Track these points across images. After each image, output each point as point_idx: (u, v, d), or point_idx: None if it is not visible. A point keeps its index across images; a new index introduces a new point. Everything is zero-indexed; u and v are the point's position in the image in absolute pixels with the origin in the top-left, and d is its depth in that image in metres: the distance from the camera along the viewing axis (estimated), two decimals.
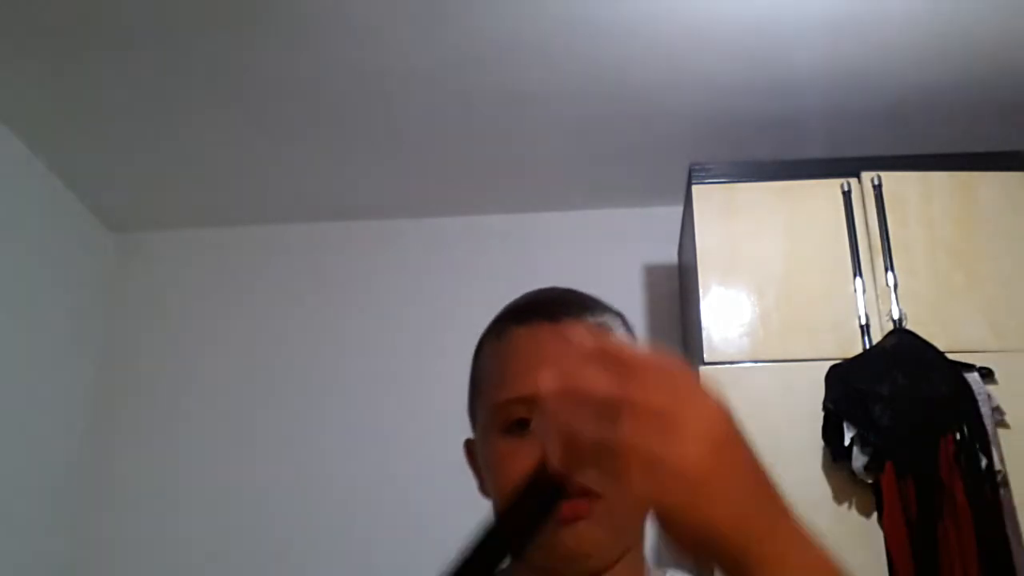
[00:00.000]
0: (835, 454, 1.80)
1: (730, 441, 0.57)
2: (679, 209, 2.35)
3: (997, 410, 1.79)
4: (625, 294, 2.58)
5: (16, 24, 1.99)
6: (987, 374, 1.82)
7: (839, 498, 1.80)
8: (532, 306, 0.88)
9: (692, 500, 0.52)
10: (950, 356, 1.84)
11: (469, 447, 0.91)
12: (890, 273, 1.98)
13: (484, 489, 0.87)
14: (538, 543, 0.74)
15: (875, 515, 1.76)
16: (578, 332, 0.81)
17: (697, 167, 2.16)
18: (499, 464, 0.81)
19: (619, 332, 0.87)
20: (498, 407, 0.82)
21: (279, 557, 2.39)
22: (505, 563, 0.84)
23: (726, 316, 1.99)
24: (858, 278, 1.99)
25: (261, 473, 2.48)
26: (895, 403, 1.77)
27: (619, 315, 0.90)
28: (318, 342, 2.62)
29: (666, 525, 0.53)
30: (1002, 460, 1.74)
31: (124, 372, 2.63)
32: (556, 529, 0.76)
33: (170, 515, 2.45)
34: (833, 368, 1.85)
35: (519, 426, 0.80)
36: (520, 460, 0.76)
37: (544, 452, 0.71)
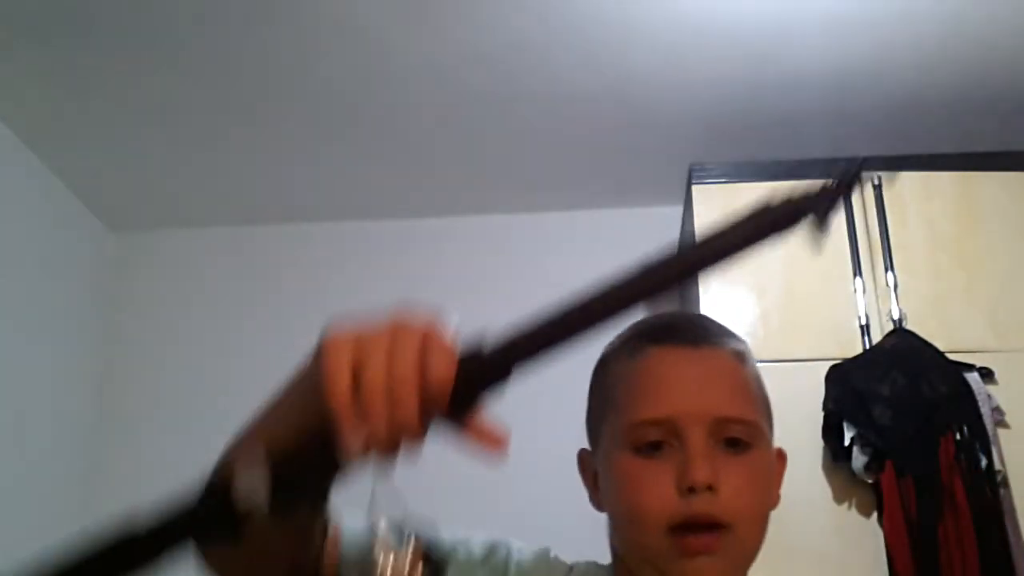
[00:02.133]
0: (835, 454, 1.80)
1: None
2: (679, 209, 2.35)
3: (997, 410, 1.79)
4: None
5: (16, 24, 1.99)
6: (987, 374, 1.82)
7: (839, 498, 1.80)
8: (672, 328, 0.87)
9: None
10: (950, 356, 1.84)
11: (583, 457, 0.90)
12: (890, 273, 1.98)
13: (597, 501, 0.87)
14: (660, 571, 0.79)
15: (875, 515, 1.76)
16: (720, 359, 0.84)
17: (697, 167, 2.16)
18: (631, 482, 0.80)
19: (751, 362, 0.87)
20: (632, 427, 0.81)
21: None
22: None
23: (726, 316, 1.99)
24: (858, 278, 1.99)
25: None
26: (895, 403, 1.77)
27: (745, 342, 0.90)
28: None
29: None
30: (1002, 460, 1.74)
31: (124, 372, 2.63)
32: (680, 560, 0.77)
33: None
34: (833, 368, 1.85)
35: (652, 447, 0.80)
36: (653, 480, 0.78)
37: (678, 474, 0.77)
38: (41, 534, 2.34)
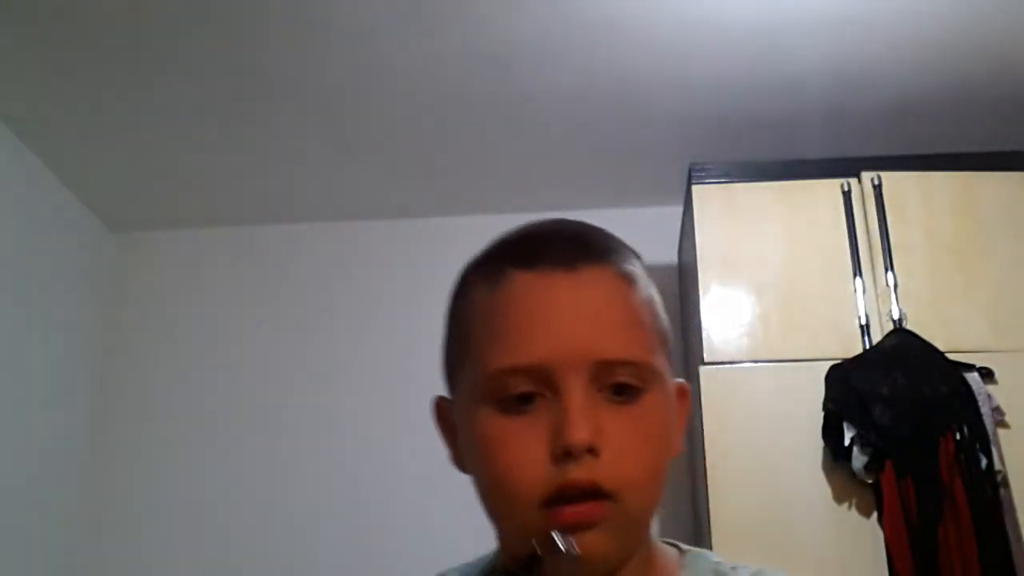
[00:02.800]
0: (835, 454, 1.80)
1: None
2: (679, 209, 2.35)
3: (997, 410, 1.79)
4: None
5: (16, 24, 1.99)
6: (987, 374, 1.82)
7: (839, 498, 1.80)
8: (541, 246, 0.69)
9: None
10: (950, 356, 1.84)
11: (440, 406, 0.75)
12: (890, 273, 1.98)
13: (460, 462, 0.72)
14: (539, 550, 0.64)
15: (875, 515, 1.76)
16: (603, 284, 0.68)
17: (697, 167, 2.16)
18: (494, 446, 0.65)
19: (643, 283, 0.71)
20: (494, 376, 0.65)
21: (280, 556, 2.39)
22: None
23: (726, 316, 1.99)
24: (858, 278, 1.99)
25: (261, 473, 2.48)
26: (895, 403, 1.77)
27: (639, 257, 0.73)
28: (318, 341, 2.62)
29: None
30: (1002, 460, 1.74)
31: (123, 372, 2.63)
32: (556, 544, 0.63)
33: (169, 515, 2.45)
34: (833, 368, 1.85)
35: (520, 402, 0.65)
36: (521, 443, 0.64)
37: (551, 434, 0.63)
38: (40, 534, 2.34)
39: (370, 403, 2.53)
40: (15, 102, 2.23)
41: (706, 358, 1.96)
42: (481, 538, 0.77)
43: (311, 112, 2.31)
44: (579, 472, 0.62)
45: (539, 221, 0.74)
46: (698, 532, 2.13)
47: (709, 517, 1.82)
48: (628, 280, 0.69)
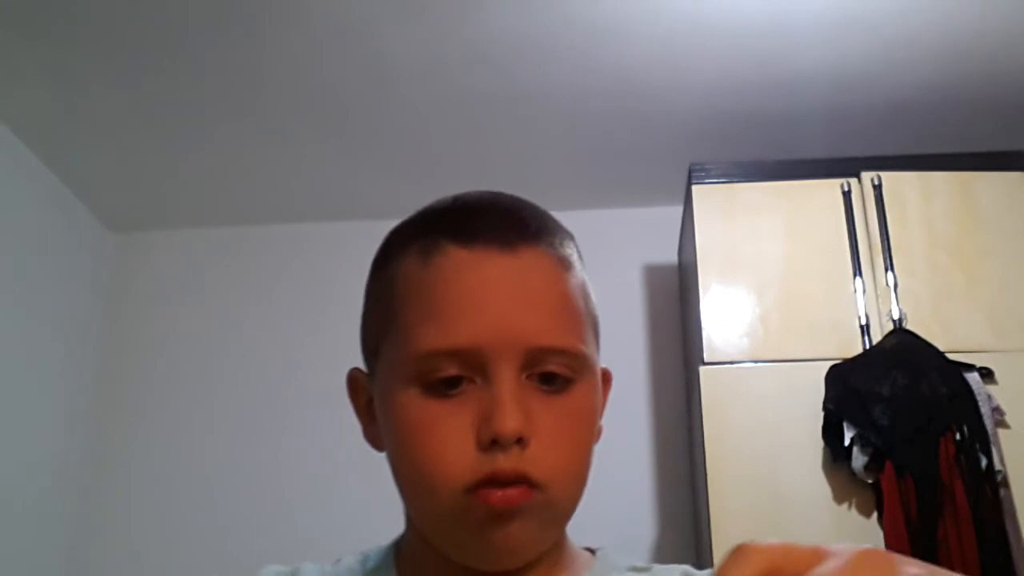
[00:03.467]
0: (835, 454, 1.80)
1: None
2: (679, 209, 2.35)
3: (997, 410, 1.79)
4: (625, 294, 2.58)
5: (16, 24, 1.99)
6: (987, 374, 1.82)
7: (839, 498, 1.80)
8: (477, 220, 0.66)
9: None
10: (950, 356, 1.84)
11: (356, 378, 0.71)
12: (890, 273, 1.98)
13: (375, 441, 0.70)
14: (457, 542, 0.64)
15: (875, 515, 1.76)
16: (539, 267, 0.65)
17: (697, 167, 2.16)
18: (418, 429, 0.63)
19: (578, 267, 0.69)
20: (422, 358, 0.62)
21: (281, 555, 2.39)
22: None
23: (726, 316, 1.99)
24: (858, 278, 1.99)
25: (262, 472, 2.48)
26: (895, 403, 1.77)
27: (572, 237, 0.71)
28: (319, 341, 2.62)
29: None
30: (1002, 460, 1.74)
31: (124, 372, 2.63)
32: (480, 524, 0.61)
33: (170, 514, 2.45)
34: (833, 368, 1.85)
35: (447, 385, 0.62)
36: (447, 429, 0.61)
37: (479, 421, 0.61)
38: (39, 533, 2.34)
39: None
40: (15, 102, 2.23)
41: (706, 358, 1.96)
42: None
43: (311, 112, 2.31)
44: (507, 462, 0.60)
45: (474, 192, 0.70)
46: (698, 532, 2.13)
47: (709, 517, 1.82)
48: (564, 264, 0.67)
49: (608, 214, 2.67)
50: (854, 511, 1.79)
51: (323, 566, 0.79)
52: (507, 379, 0.61)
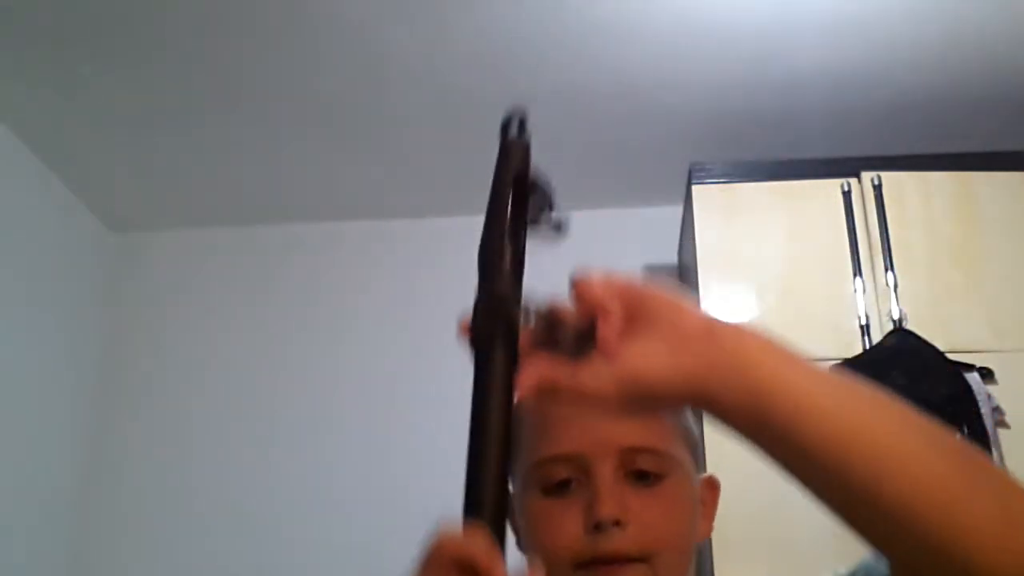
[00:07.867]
0: None
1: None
2: (679, 209, 2.35)
3: (997, 410, 1.79)
4: None
5: (17, 25, 1.99)
6: (987, 374, 1.82)
7: None
8: None
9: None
10: (950, 356, 1.84)
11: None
12: (890, 273, 1.98)
13: (520, 546, 0.81)
14: None
15: None
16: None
17: (697, 167, 2.16)
18: (541, 526, 0.77)
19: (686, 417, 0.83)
20: (537, 466, 0.77)
21: (281, 554, 2.39)
22: None
23: (726, 316, 1.99)
24: (858, 278, 1.99)
25: (262, 473, 2.48)
26: None
27: None
28: (319, 341, 2.62)
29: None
30: (1002, 460, 1.74)
31: (124, 372, 2.63)
32: None
33: (170, 515, 2.45)
34: (833, 368, 1.85)
35: (560, 487, 0.76)
36: (561, 520, 0.75)
37: (585, 511, 0.74)
38: (41, 533, 2.34)
39: (370, 402, 2.53)
40: (17, 103, 2.23)
41: None
42: None
43: (311, 113, 2.31)
44: (608, 543, 0.73)
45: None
46: None
47: None
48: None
49: (608, 214, 2.66)
50: None
51: None
52: (605, 475, 0.75)
